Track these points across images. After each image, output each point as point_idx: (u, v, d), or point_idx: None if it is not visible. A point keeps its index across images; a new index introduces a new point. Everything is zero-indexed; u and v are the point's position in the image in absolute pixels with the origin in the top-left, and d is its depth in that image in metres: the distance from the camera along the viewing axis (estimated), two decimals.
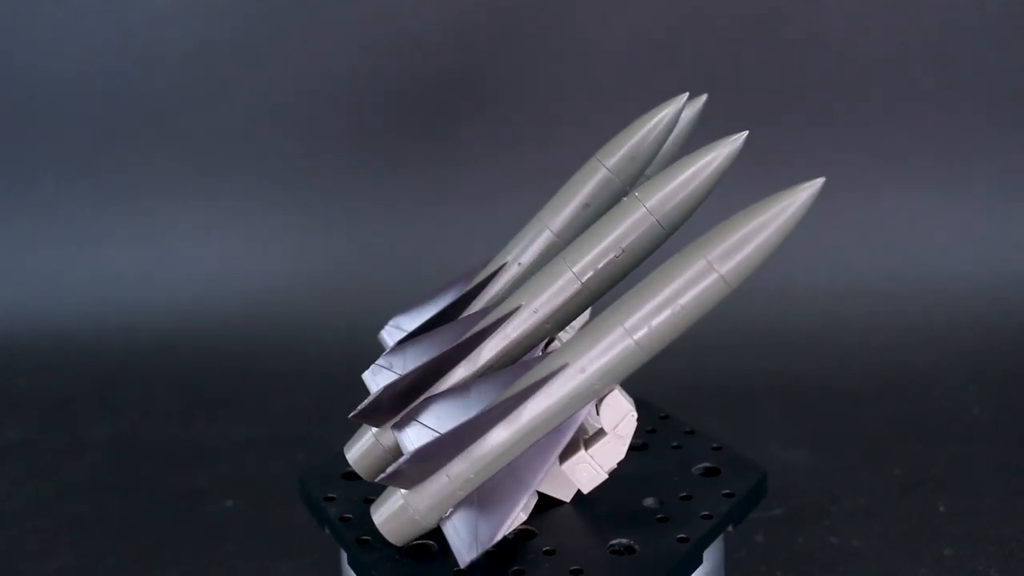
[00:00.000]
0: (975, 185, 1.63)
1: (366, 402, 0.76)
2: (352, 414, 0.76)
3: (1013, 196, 1.62)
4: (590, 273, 0.74)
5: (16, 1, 1.70)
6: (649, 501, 0.82)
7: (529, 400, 0.71)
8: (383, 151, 1.70)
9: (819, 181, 0.66)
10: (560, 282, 0.74)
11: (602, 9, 1.65)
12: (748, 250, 0.67)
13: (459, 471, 0.72)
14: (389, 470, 0.72)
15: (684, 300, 0.68)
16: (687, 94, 0.77)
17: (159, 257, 1.68)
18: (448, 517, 0.73)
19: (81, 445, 1.32)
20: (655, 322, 0.69)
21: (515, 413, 0.72)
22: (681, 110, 0.77)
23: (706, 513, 0.79)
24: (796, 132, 1.63)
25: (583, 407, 0.71)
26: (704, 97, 0.86)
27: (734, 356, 1.43)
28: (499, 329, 0.76)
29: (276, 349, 1.51)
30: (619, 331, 0.70)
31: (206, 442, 1.31)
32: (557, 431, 0.72)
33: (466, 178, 1.68)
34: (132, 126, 1.72)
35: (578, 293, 0.74)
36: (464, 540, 0.72)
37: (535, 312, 0.75)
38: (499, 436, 0.72)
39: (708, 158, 0.70)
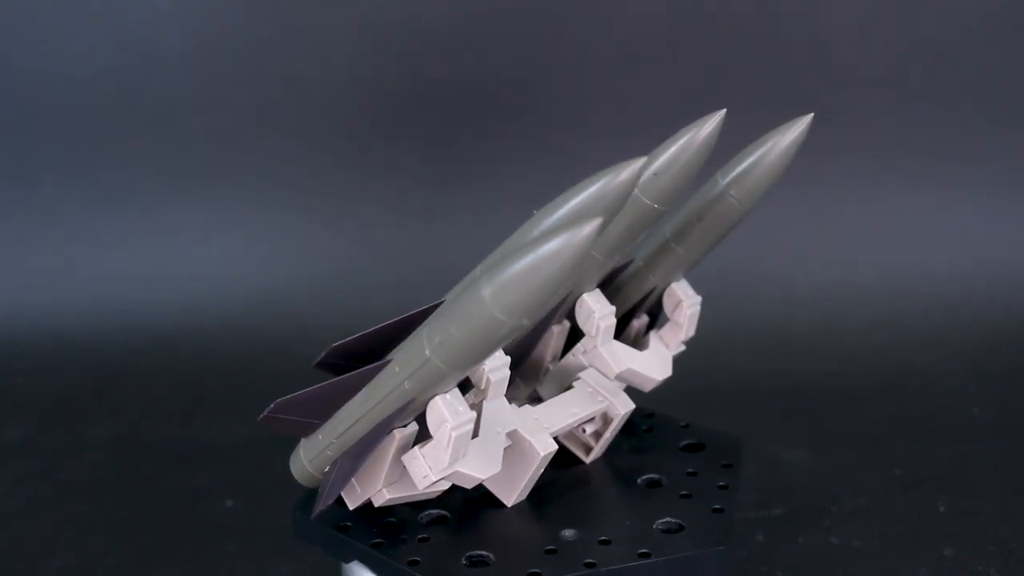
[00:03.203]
0: (975, 185, 1.63)
1: (323, 354, 0.78)
2: (314, 363, 0.78)
3: (1013, 196, 1.63)
4: None
5: (16, 1, 1.70)
6: (568, 533, 0.79)
7: (365, 386, 0.75)
8: (383, 151, 1.70)
9: (596, 221, 0.59)
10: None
11: (602, 11, 1.65)
12: (523, 290, 0.62)
13: (326, 432, 0.78)
14: (264, 412, 0.77)
15: (456, 327, 0.66)
16: (724, 111, 0.75)
17: (159, 257, 1.68)
18: (327, 472, 0.79)
19: (81, 445, 1.32)
20: (442, 340, 0.68)
21: (357, 395, 0.75)
22: (717, 131, 0.74)
23: (591, 561, 0.75)
24: None
25: (403, 405, 0.72)
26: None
27: (735, 356, 1.43)
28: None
29: (276, 349, 1.51)
30: (424, 341, 0.69)
31: (206, 442, 1.31)
32: (386, 422, 0.73)
33: (466, 178, 1.68)
34: (132, 126, 1.71)
35: None
36: (321, 496, 0.78)
37: None
38: (342, 411, 0.76)
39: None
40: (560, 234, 0.60)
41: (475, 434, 0.78)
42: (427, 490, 0.79)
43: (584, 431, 0.88)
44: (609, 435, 0.88)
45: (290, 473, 0.85)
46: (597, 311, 0.85)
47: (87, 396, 1.45)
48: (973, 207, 1.62)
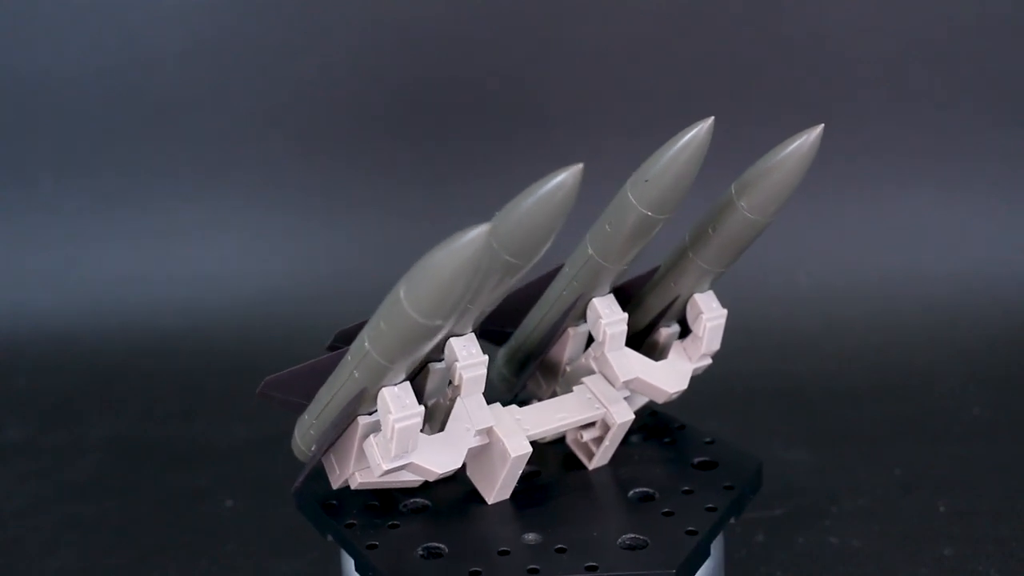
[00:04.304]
0: (975, 185, 1.63)
1: (331, 339, 0.80)
2: (325, 345, 0.80)
3: (1013, 196, 1.63)
4: None
5: (16, 1, 1.70)
6: (530, 536, 0.79)
7: (333, 371, 0.77)
8: (383, 151, 1.70)
9: (484, 227, 0.64)
10: None
11: (603, 10, 1.65)
12: (426, 290, 0.66)
13: (310, 412, 0.80)
14: (259, 388, 0.79)
15: (384, 322, 0.69)
16: (712, 119, 0.74)
17: (159, 257, 1.68)
18: (312, 450, 0.81)
19: (81, 445, 1.32)
20: (376, 334, 0.70)
21: (328, 379, 0.77)
22: (707, 138, 0.74)
23: (534, 567, 0.75)
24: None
25: (357, 393, 0.73)
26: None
27: (735, 356, 1.42)
28: None
29: (276, 349, 1.51)
30: (365, 334, 0.72)
31: (206, 442, 1.31)
32: (346, 409, 0.75)
33: (466, 179, 1.68)
34: (132, 126, 1.71)
35: None
36: (302, 473, 0.81)
37: None
38: (319, 394, 0.79)
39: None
40: (451, 241, 0.64)
41: (440, 428, 0.79)
42: (389, 479, 0.79)
43: (582, 437, 0.88)
44: (609, 443, 0.87)
45: (289, 472, 0.86)
46: (605, 317, 0.84)
47: (87, 396, 1.45)
48: (972, 207, 1.62)
